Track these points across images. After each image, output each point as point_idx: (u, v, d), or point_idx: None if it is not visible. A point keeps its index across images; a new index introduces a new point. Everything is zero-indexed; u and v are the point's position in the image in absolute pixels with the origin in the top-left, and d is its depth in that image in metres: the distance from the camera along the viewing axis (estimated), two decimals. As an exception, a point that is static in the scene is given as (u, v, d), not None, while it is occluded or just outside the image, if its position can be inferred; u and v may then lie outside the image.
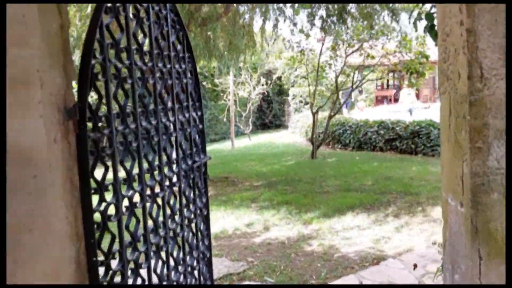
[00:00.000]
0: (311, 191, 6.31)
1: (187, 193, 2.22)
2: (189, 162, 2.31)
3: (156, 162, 1.79)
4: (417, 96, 25.64)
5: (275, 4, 7.54)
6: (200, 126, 2.58)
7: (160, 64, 1.87)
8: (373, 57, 8.86)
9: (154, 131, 1.77)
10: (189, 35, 8.30)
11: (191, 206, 2.24)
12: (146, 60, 1.73)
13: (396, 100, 25.36)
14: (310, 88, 9.68)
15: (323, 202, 5.66)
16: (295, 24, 7.80)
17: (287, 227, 4.80)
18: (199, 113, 2.57)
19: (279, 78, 18.60)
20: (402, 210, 5.18)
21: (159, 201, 1.80)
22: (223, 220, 5.19)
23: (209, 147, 14.81)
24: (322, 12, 7.96)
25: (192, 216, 2.26)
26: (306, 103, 16.46)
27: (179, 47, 2.26)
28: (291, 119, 17.04)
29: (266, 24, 8.38)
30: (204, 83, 15.22)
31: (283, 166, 8.88)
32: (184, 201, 2.13)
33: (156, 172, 1.79)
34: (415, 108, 16.96)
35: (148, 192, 1.70)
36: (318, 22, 8.28)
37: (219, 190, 6.87)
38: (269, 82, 15.68)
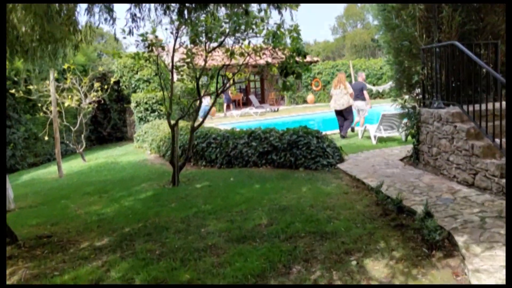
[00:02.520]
0: (190, 249, 4.19)
1: None
2: None
3: None
4: (263, 99, 25.64)
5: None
6: None
7: None
8: (242, 54, 7.19)
9: None
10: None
11: None
12: None
13: (244, 104, 24.85)
14: (165, 93, 7.45)
15: (215, 273, 3.62)
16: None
17: None
18: None
19: (117, 82, 15.71)
20: (332, 270, 3.53)
21: None
22: None
23: (27, 175, 11.09)
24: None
25: None
26: (154, 111, 14.10)
27: None
28: (136, 130, 14.37)
29: (94, 7, 5.83)
30: (13, 91, 11.36)
31: (137, 201, 6.47)
32: None
33: None
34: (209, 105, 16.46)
35: None
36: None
37: (34, 267, 4.13)
38: (105, 87, 12.71)
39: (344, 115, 10.87)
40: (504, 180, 4.49)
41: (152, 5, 5.67)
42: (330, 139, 8.19)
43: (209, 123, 14.74)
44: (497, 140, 4.66)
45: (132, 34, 5.32)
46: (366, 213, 4.84)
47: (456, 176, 5.40)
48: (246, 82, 23.53)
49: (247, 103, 24.64)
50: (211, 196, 6.27)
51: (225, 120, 18.21)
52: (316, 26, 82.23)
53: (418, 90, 6.76)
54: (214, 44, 7.41)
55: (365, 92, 10.96)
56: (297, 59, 7.05)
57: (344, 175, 6.87)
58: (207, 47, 7.34)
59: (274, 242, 4.20)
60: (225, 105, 21.70)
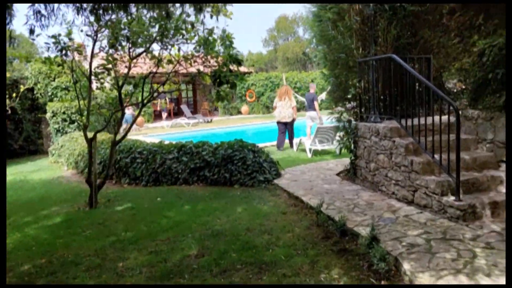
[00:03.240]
0: (103, 292, 3.47)
1: None
2: None
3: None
4: (196, 110, 24.91)
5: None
6: None
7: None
8: (170, 62, 6.56)
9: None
10: None
11: None
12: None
13: (175, 114, 23.91)
14: (82, 102, 6.57)
15: (132, 324, 2.96)
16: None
17: None
18: None
19: (31, 89, 14.14)
20: (273, 311, 3.05)
21: None
22: None
23: None
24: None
25: None
26: (73, 122, 12.82)
27: None
28: (52, 143, 12.94)
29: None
30: None
31: (45, 228, 5.52)
32: None
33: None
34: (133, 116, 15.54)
35: None
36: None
37: None
38: (14, 95, 11.26)
39: (288, 128, 10.77)
40: (445, 198, 4.35)
41: (62, 3, 4.88)
42: (267, 153, 7.81)
43: (135, 135, 13.76)
44: (437, 156, 4.54)
45: (33, 33, 4.49)
46: (307, 237, 4.44)
47: (395, 193, 5.23)
48: (177, 93, 22.72)
49: (178, 113, 23.75)
50: (133, 220, 5.53)
51: (154, 132, 17.23)
52: (250, 37, 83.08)
53: (354, 103, 6.62)
54: (140, 50, 6.71)
55: (315, 103, 10.80)
56: (231, 67, 6.59)
57: (281, 192, 6.48)
58: (131, 53, 6.60)
59: (205, 277, 3.63)
60: (164, 114, 21.65)
